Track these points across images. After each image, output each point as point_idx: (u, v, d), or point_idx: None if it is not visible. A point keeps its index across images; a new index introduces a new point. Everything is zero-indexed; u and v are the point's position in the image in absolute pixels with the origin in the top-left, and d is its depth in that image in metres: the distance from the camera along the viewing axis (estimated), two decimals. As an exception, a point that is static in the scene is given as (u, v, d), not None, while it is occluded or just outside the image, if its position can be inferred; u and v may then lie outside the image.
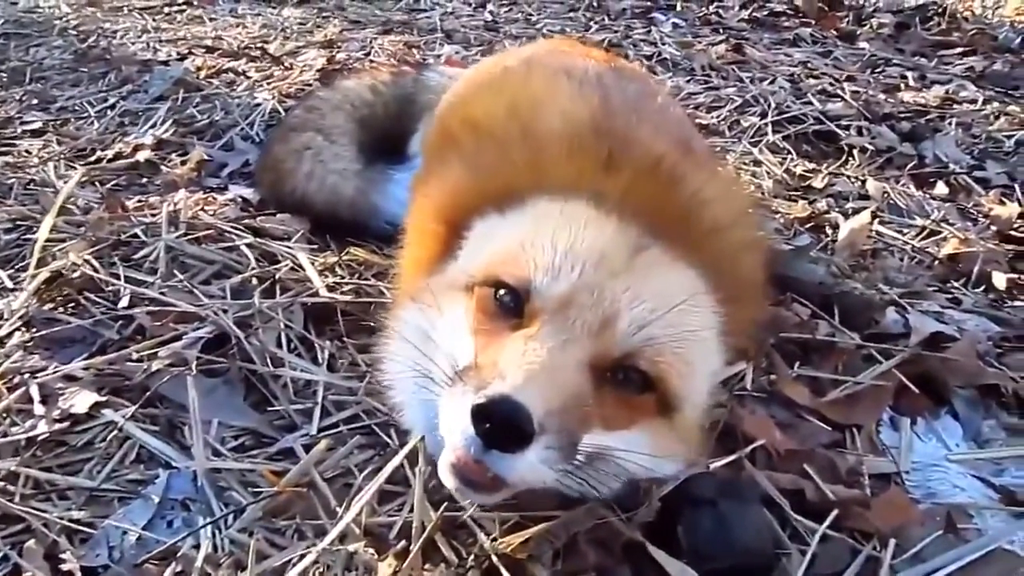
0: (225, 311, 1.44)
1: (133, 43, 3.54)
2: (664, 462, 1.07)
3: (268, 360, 1.34)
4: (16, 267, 1.69)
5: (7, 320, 1.46)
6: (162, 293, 1.49)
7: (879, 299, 1.62)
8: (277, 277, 1.56)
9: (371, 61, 3.10)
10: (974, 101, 3.17)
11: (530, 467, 0.88)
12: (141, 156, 2.21)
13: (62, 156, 2.28)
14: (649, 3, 4.70)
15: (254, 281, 1.56)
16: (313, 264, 1.64)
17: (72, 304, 1.51)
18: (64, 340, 1.41)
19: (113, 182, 2.13)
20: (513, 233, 1.13)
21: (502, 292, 1.04)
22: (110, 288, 1.52)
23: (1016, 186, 2.36)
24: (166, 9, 4.23)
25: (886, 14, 4.47)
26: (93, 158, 2.26)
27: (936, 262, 1.95)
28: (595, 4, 4.65)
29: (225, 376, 1.32)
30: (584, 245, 1.06)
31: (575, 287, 1.01)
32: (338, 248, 1.80)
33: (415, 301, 1.15)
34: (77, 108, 2.80)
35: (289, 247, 1.71)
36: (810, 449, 1.25)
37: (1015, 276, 1.86)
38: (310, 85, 2.78)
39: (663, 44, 3.76)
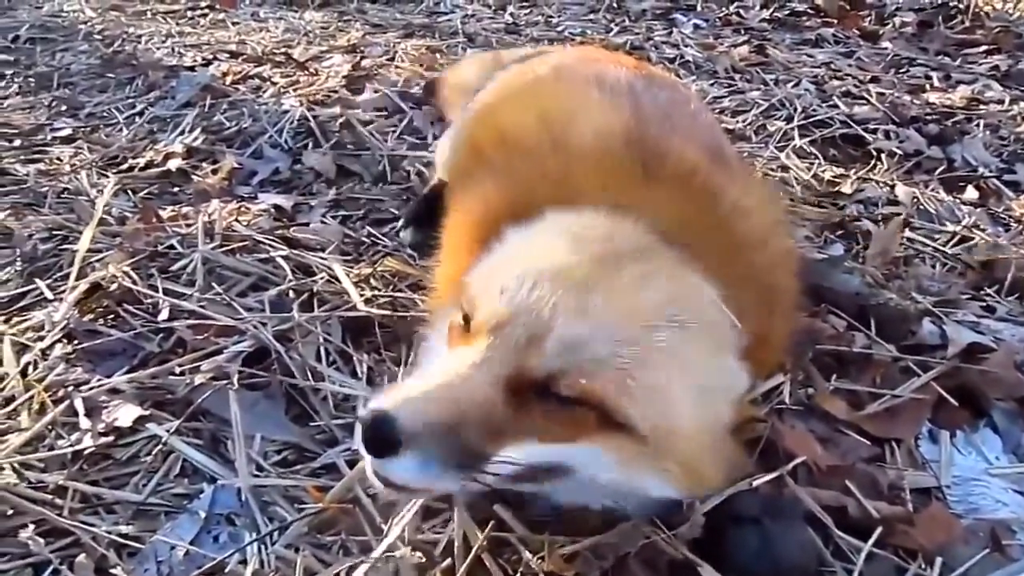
0: (264, 324, 1.45)
1: (158, 48, 3.56)
2: (647, 480, 1.04)
3: (309, 374, 1.35)
4: (55, 277, 1.71)
5: (49, 332, 1.48)
6: (201, 306, 1.50)
7: (915, 309, 1.61)
8: (314, 290, 1.57)
9: (396, 67, 3.10)
10: (1000, 101, 3.14)
11: (408, 471, 0.94)
12: (172, 164, 2.23)
13: (94, 164, 2.30)
14: (669, 4, 4.69)
15: (291, 294, 1.57)
16: (348, 275, 1.64)
17: (112, 316, 1.53)
18: (105, 352, 1.43)
19: (145, 190, 2.15)
20: (505, 250, 1.14)
21: (462, 311, 1.07)
22: (149, 300, 1.54)
23: (1050, 191, 2.34)
24: (189, 13, 4.25)
25: (908, 12, 4.44)
26: (125, 166, 2.27)
27: (969, 269, 1.94)
28: (615, 5, 4.64)
29: (266, 390, 1.33)
30: (549, 261, 1.05)
31: (517, 305, 1.01)
32: (371, 259, 1.82)
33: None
34: (106, 114, 2.82)
35: (324, 258, 1.73)
36: (851, 464, 1.25)
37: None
38: (336, 92, 2.79)
39: (685, 46, 3.75)
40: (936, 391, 1.42)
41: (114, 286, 1.58)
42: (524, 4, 4.71)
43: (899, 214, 2.14)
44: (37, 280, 1.67)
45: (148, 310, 1.53)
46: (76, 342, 1.45)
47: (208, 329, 1.43)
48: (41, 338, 1.47)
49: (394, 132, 2.53)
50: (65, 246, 1.80)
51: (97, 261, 1.69)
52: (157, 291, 1.56)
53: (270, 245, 1.76)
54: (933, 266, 1.95)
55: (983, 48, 3.88)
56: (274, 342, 1.39)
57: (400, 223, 2.01)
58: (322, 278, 1.62)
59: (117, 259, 1.64)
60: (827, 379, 1.45)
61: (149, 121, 2.69)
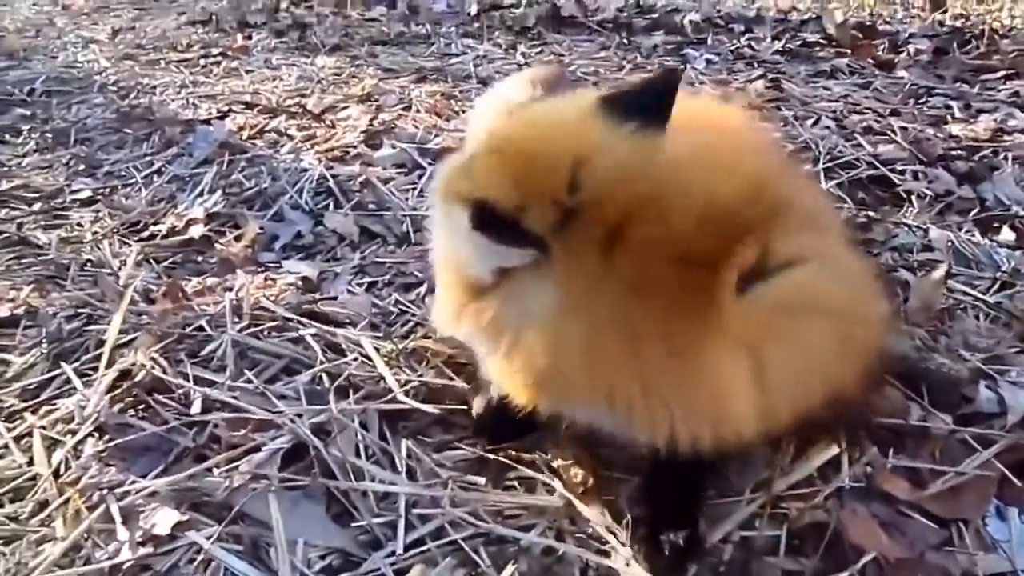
0: (300, 416, 1.41)
1: (173, 99, 3.56)
2: None
3: (349, 471, 1.31)
4: (81, 360, 1.67)
5: (80, 424, 1.44)
6: (234, 396, 1.46)
7: (967, 372, 1.56)
8: (348, 375, 1.53)
9: (412, 118, 3.07)
10: (1025, 131, 3.10)
11: None
12: (194, 231, 2.20)
13: (115, 231, 2.28)
14: (680, 38, 4.68)
15: (324, 379, 1.53)
16: (379, 353, 1.61)
17: (142, 406, 1.49)
18: (139, 448, 1.39)
19: (168, 260, 2.12)
20: None
21: None
22: (180, 390, 1.50)
23: (1085, 230, 2.29)
24: (202, 61, 4.26)
25: (922, 40, 4.41)
26: (147, 234, 2.25)
27: (1014, 319, 1.88)
28: (626, 42, 4.64)
29: (306, 489, 1.29)
30: None
31: None
32: (402, 332, 1.78)
33: None
34: (124, 173, 2.80)
35: (354, 336, 1.68)
36: (920, 555, 1.20)
37: (1099, 335, 1.80)
38: (355, 147, 2.76)
39: (700, 83, 3.72)
40: (999, 467, 1.37)
41: (142, 374, 1.54)
42: (534, 43, 4.72)
43: (936, 261, 2.09)
44: (63, 364, 1.64)
45: (179, 400, 1.49)
46: (107, 437, 1.41)
47: (244, 424, 1.39)
48: (72, 432, 1.43)
49: (414, 190, 2.50)
50: (91, 326, 1.76)
51: (124, 345, 1.65)
52: (188, 379, 1.52)
53: (299, 322, 1.72)
54: (976, 317, 1.90)
55: (1001, 74, 3.84)
56: (312, 437, 1.35)
57: (426, 289, 1.97)
58: (355, 359, 1.58)
59: (146, 343, 1.61)
60: (884, 454, 1.40)
61: (168, 181, 2.67)
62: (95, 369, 1.61)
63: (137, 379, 1.53)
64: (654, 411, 1.13)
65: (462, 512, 1.26)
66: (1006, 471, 1.36)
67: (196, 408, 1.44)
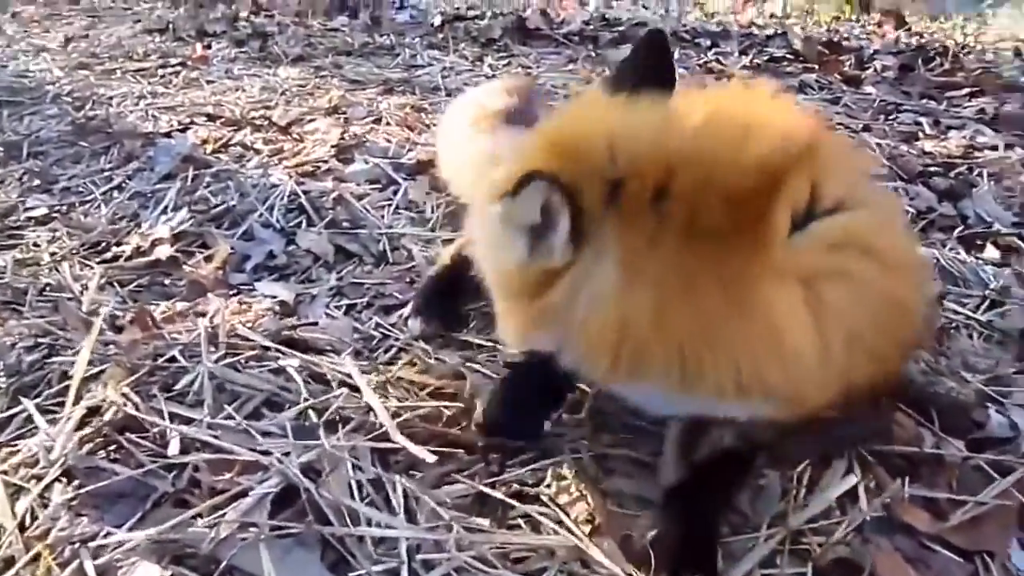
0: (287, 455, 1.31)
1: (131, 111, 3.42)
2: None
3: (345, 515, 1.21)
4: (43, 395, 1.54)
5: (45, 468, 1.32)
6: (215, 436, 1.36)
7: (975, 397, 1.53)
8: (336, 408, 1.43)
9: (383, 133, 2.98)
10: (995, 148, 3.12)
11: None
12: (160, 252, 2.09)
13: (75, 253, 2.15)
14: (648, 50, 4.64)
15: (312, 415, 1.44)
16: (368, 384, 1.52)
17: (114, 447, 1.38)
18: (112, 495, 1.27)
19: (133, 283, 2.00)
20: None
21: None
22: (155, 428, 1.39)
23: (1068, 247, 2.29)
24: (160, 72, 4.12)
25: (887, 56, 4.45)
26: (109, 255, 2.12)
27: (1007, 338, 1.86)
28: (593, 55, 4.61)
29: (299, 537, 1.19)
30: None
31: None
32: (386, 357, 1.70)
33: None
34: (82, 189, 2.67)
35: (337, 364, 1.59)
36: (948, 592, 1.15)
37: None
38: (326, 162, 2.67)
39: (673, 96, 3.69)
40: (1016, 494, 1.33)
41: (112, 411, 1.43)
42: (501, 55, 4.66)
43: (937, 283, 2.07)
44: (24, 400, 1.51)
45: (155, 439, 1.38)
46: (77, 482, 1.29)
47: (228, 466, 1.28)
48: (37, 477, 1.32)
49: (390, 206, 2.42)
50: (53, 358, 1.64)
51: (90, 378, 1.53)
52: (163, 416, 1.41)
53: (279, 351, 1.63)
54: (970, 336, 1.87)
55: (966, 91, 3.87)
56: (302, 479, 1.25)
57: (407, 311, 1.89)
58: (342, 393, 1.49)
59: (115, 377, 1.49)
60: (900, 483, 1.35)
61: (130, 197, 2.55)
62: (60, 405, 1.49)
63: (107, 417, 1.42)
64: (719, 360, 1.14)
65: (468, 556, 1.18)
66: (1022, 497, 1.32)
67: (174, 449, 1.33)
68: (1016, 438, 1.44)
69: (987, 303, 2.00)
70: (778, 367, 1.15)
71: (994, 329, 1.90)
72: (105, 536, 1.19)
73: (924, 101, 3.78)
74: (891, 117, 3.53)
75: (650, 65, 1.30)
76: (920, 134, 3.28)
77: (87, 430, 1.40)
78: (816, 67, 4.24)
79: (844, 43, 4.81)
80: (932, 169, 2.79)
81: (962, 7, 8.00)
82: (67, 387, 1.52)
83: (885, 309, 1.25)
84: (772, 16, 7.18)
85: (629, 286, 1.13)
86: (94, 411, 1.44)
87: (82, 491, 1.27)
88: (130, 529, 1.20)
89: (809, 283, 1.16)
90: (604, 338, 1.16)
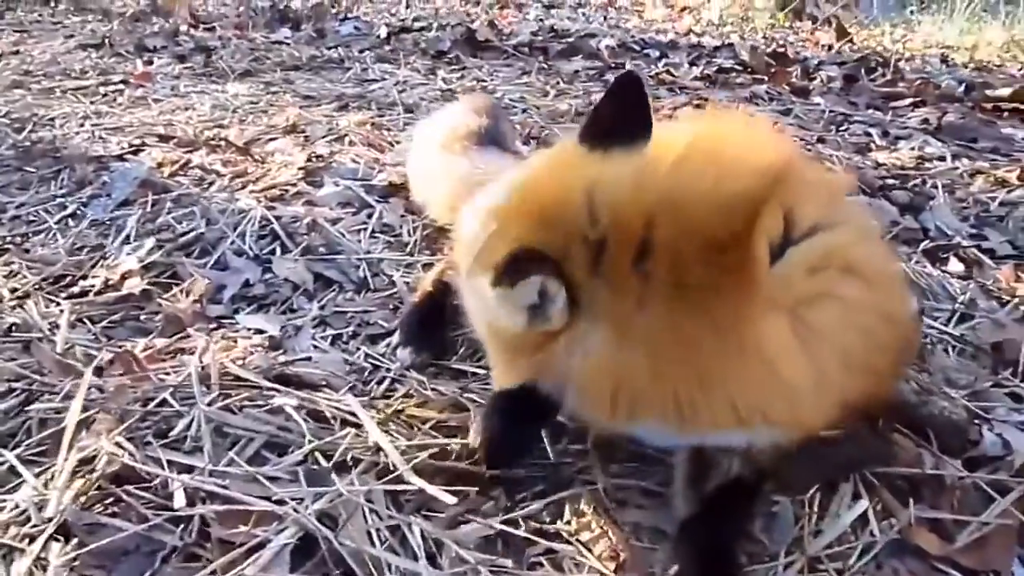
0: (301, 501, 1.28)
1: (77, 133, 3.30)
2: None
3: (369, 563, 1.18)
4: (26, 445, 1.47)
5: (40, 527, 1.26)
6: (222, 485, 1.31)
7: (965, 415, 1.57)
8: (344, 449, 1.40)
9: (350, 154, 2.93)
10: (943, 158, 3.23)
11: None
12: (131, 286, 2.01)
13: (38, 288, 2.05)
14: (599, 63, 4.70)
15: (319, 457, 1.40)
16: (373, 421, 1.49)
17: (112, 501, 1.32)
18: (116, 553, 1.22)
19: (105, 320, 1.92)
20: None
21: None
22: (155, 479, 1.34)
23: (1026, 257, 2.38)
24: (102, 90, 3.98)
25: (832, 67, 4.58)
26: (76, 290, 2.03)
27: (981, 352, 1.92)
28: (546, 67, 4.62)
29: (322, 589, 1.16)
30: None
31: None
32: (381, 390, 1.67)
33: None
34: (34, 218, 2.55)
35: (337, 401, 1.56)
36: (965, 614, 1.18)
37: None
38: (294, 185, 2.61)
39: (631, 110, 3.72)
40: (1015, 513, 1.37)
41: (104, 461, 1.37)
42: (453, 68, 4.64)
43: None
44: (4, 452, 1.44)
45: (156, 491, 1.32)
46: (77, 540, 1.23)
47: (240, 517, 1.24)
48: (30, 537, 1.25)
49: (365, 230, 2.38)
50: (31, 404, 1.56)
51: (76, 424, 1.46)
52: (162, 465, 1.36)
53: (274, 390, 1.58)
54: (946, 351, 1.93)
55: (909, 101, 4.01)
56: (320, 527, 1.22)
57: (395, 340, 1.86)
58: (348, 433, 1.45)
59: (106, 425, 1.43)
60: (903, 505, 1.39)
61: (88, 226, 2.44)
62: (43, 456, 1.42)
63: (101, 468, 1.35)
64: (715, 401, 1.18)
65: (501, 601, 1.16)
66: (1023, 518, 1.36)
67: (179, 500, 1.28)
68: (1008, 456, 1.48)
69: (957, 316, 2.07)
70: (776, 398, 1.20)
71: (967, 343, 1.96)
72: (116, 600, 1.14)
73: (871, 112, 3.90)
74: (842, 128, 3.63)
75: (625, 109, 1.29)
76: (872, 145, 3.38)
77: (80, 482, 1.34)
78: (765, 78, 4.34)
79: (789, 54, 4.92)
80: (890, 182, 2.87)
81: (886, 13, 8.28)
82: (51, 436, 1.46)
83: (873, 324, 1.29)
84: (709, 23, 7.32)
85: (621, 344, 1.17)
86: (86, 462, 1.38)
87: (83, 550, 1.21)
88: (141, 590, 1.15)
89: (794, 311, 1.20)
90: (600, 390, 1.21)
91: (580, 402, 1.28)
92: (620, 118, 1.29)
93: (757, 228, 1.16)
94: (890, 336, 1.38)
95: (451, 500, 1.28)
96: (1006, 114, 3.85)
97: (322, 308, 2.00)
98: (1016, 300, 2.13)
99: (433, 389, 1.67)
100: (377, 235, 2.37)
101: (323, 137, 3.15)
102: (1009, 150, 3.35)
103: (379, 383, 1.71)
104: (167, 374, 1.63)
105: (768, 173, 1.22)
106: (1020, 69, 5.14)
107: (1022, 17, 6.75)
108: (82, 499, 1.32)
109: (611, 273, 1.17)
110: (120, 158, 2.96)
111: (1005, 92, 3.95)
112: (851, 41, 5.90)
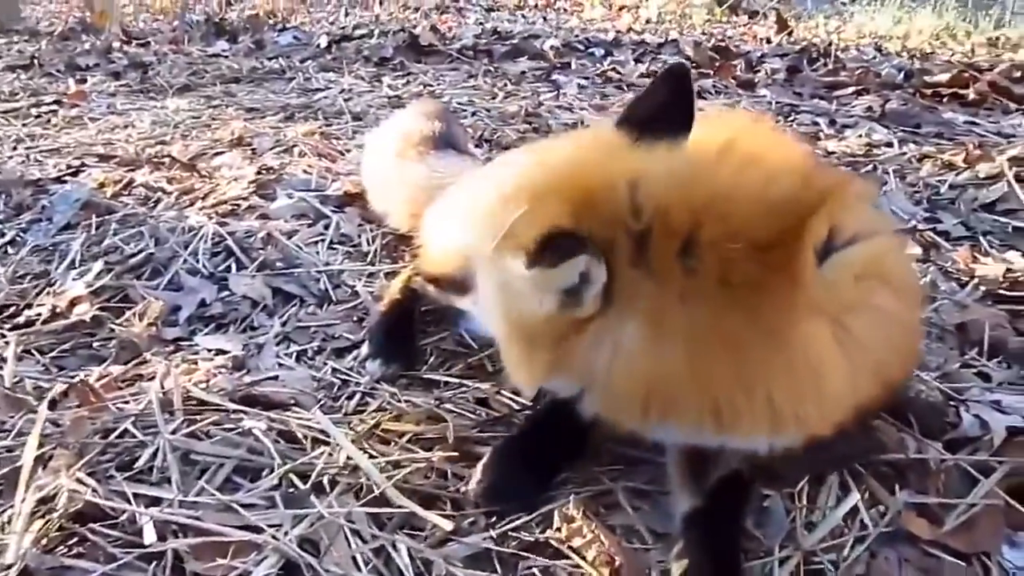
0: (279, 527, 1.22)
1: (10, 156, 3.16)
2: None
3: (356, 590, 1.13)
4: (-23, 490, 1.38)
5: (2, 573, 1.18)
6: (194, 517, 1.24)
7: (942, 398, 1.58)
8: (320, 470, 1.34)
9: (302, 165, 2.86)
10: (890, 144, 3.28)
11: None
12: (81, 312, 1.92)
13: (-21, 320, 1.95)
14: (545, 64, 4.68)
15: (295, 480, 1.34)
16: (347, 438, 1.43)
17: (76, 540, 1.24)
18: (86, 595, 1.15)
19: (55, 350, 1.83)
20: None
21: None
22: (122, 514, 1.26)
23: (980, 237, 2.41)
24: (34, 111, 3.83)
25: (774, 59, 4.64)
26: (21, 320, 1.93)
27: (947, 333, 1.94)
28: (492, 69, 4.59)
29: (309, 620, 1.10)
30: None
31: None
32: (352, 406, 1.61)
33: None
34: (-30, 247, 2.43)
35: (307, 420, 1.50)
36: (963, 598, 1.17)
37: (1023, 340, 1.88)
38: (246, 199, 2.53)
39: (581, 110, 3.72)
40: (1000, 493, 1.37)
41: (64, 499, 1.29)
42: (398, 74, 4.59)
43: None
44: (-46, 496, 1.35)
45: (124, 527, 1.25)
46: (41, 586, 1.16)
47: (216, 549, 1.17)
48: (-9, 586, 1.17)
49: (323, 242, 2.32)
50: (-19, 444, 1.47)
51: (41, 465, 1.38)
52: (127, 499, 1.29)
53: (240, 411, 1.52)
54: (913, 333, 1.94)
55: (852, 90, 4.08)
56: (302, 554, 1.16)
57: (363, 353, 1.81)
58: (322, 452, 1.40)
59: (64, 462, 1.35)
60: (890, 491, 1.38)
61: (30, 252, 2.33)
62: (-4, 496, 1.34)
63: (61, 506, 1.27)
64: (757, 404, 1.14)
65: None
66: (1008, 499, 1.36)
67: (149, 535, 1.21)
68: (986, 435, 1.49)
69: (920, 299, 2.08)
70: (815, 403, 1.17)
71: (933, 325, 1.97)
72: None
73: (816, 101, 3.95)
74: (790, 119, 3.67)
75: (669, 101, 1.26)
76: (820, 134, 3.42)
77: (40, 523, 1.26)
78: (710, 73, 4.37)
79: (731, 48, 4.97)
80: (842, 169, 2.89)
81: (819, 5, 8.45)
82: (5, 476, 1.36)
83: (899, 334, 1.29)
84: (648, 21, 7.37)
85: (659, 341, 1.12)
86: (45, 501, 1.30)
87: (50, 595, 1.14)
88: (116, 635, 1.08)
89: (838, 317, 1.18)
90: (632, 390, 1.15)
91: (606, 402, 1.22)
92: (663, 109, 1.27)
93: (807, 232, 1.13)
94: (911, 345, 1.40)
95: (448, 525, 1.23)
96: (945, 99, 3.94)
97: (284, 324, 1.94)
98: (975, 280, 2.16)
99: (407, 401, 1.62)
100: (336, 246, 2.31)
101: (271, 149, 3.08)
102: (952, 134, 3.42)
103: (349, 398, 1.66)
104: (126, 402, 1.55)
105: (817, 180, 1.21)
106: (953, 55, 5.27)
107: (951, 5, 6.93)
108: (44, 541, 1.24)
109: (654, 265, 1.13)
110: (59, 180, 2.85)
111: (943, 78, 4.04)
112: (790, 34, 6.00)
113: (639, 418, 1.19)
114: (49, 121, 3.69)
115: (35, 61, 4.89)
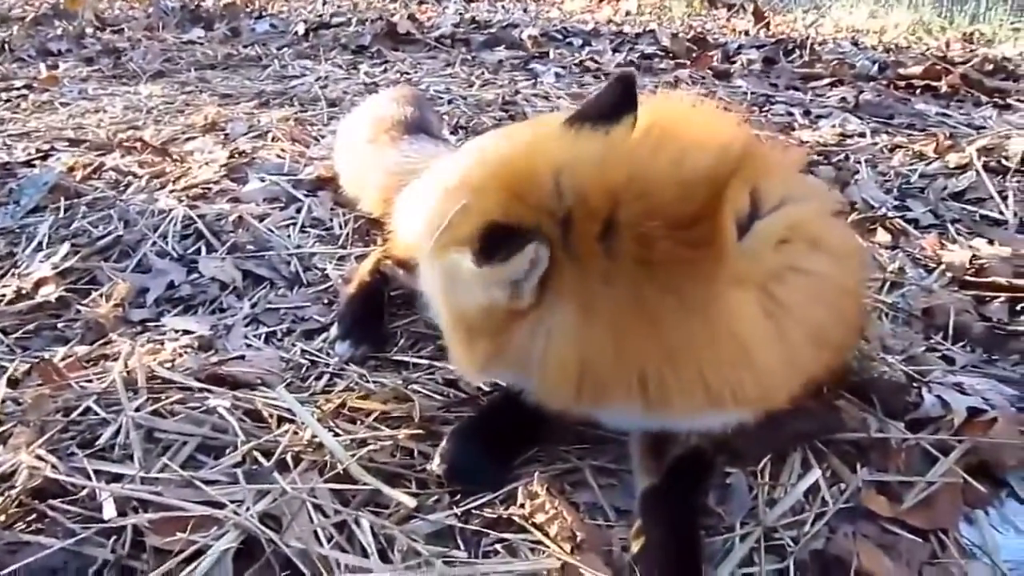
0: (240, 503, 1.21)
1: (-22, 141, 3.12)
2: None
3: (317, 563, 1.13)
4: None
5: (-44, 553, 1.17)
6: (155, 492, 1.23)
7: (904, 379, 1.59)
8: (285, 447, 1.34)
9: (275, 149, 2.84)
10: (863, 134, 3.30)
11: None
12: (46, 293, 1.90)
13: (-57, 301, 1.92)
14: (523, 53, 4.68)
15: (259, 457, 1.34)
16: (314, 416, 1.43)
17: (36, 517, 1.23)
18: (43, 571, 1.14)
19: (20, 330, 1.81)
20: None
21: None
22: (82, 490, 1.25)
23: (948, 225, 2.44)
24: (3, 96, 3.79)
25: (751, 50, 4.65)
26: (-14, 301, 1.91)
27: (913, 318, 1.96)
28: (469, 58, 4.58)
29: (269, 594, 1.10)
30: None
31: None
32: (320, 385, 1.61)
33: None
34: (-63, 231, 2.40)
35: (273, 399, 1.49)
36: (918, 573, 1.19)
37: (987, 325, 1.90)
38: (217, 183, 2.51)
39: (557, 98, 3.72)
40: (958, 471, 1.39)
41: (24, 476, 1.28)
42: (375, 62, 4.56)
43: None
44: (-91, 474, 1.34)
45: (84, 503, 1.24)
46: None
47: (177, 524, 1.17)
48: (-54, 563, 1.16)
49: (294, 225, 2.31)
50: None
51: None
52: (88, 475, 1.28)
53: (205, 390, 1.51)
54: (880, 318, 1.96)
55: (827, 81, 4.10)
56: (263, 529, 1.16)
57: (333, 334, 1.80)
58: (288, 430, 1.39)
59: (24, 439, 1.34)
60: (852, 469, 1.39)
61: (-4, 235, 2.31)
62: (-47, 476, 1.32)
63: (21, 483, 1.26)
64: (686, 380, 1.14)
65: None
66: (966, 476, 1.38)
67: (109, 511, 1.20)
68: (947, 416, 1.50)
69: (888, 284, 2.11)
70: (746, 375, 1.17)
71: (899, 310, 1.99)
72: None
73: (791, 92, 3.97)
74: (764, 109, 3.69)
75: (617, 103, 1.26)
76: (795, 124, 3.44)
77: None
78: (687, 63, 4.38)
79: (709, 39, 4.98)
80: (815, 158, 2.92)
81: (798, -1, 8.48)
82: (-40, 455, 1.35)
83: (837, 298, 1.29)
84: (628, 13, 7.38)
85: (587, 325, 1.14)
86: (4, 478, 1.29)
87: (5, 571, 1.13)
88: (73, 610, 1.08)
89: (763, 286, 1.18)
90: (564, 373, 1.17)
91: (544, 387, 1.23)
92: (609, 108, 1.27)
93: (724, 203, 1.14)
94: (852, 310, 1.39)
95: (411, 503, 1.23)
96: (918, 91, 3.97)
97: (254, 306, 1.93)
98: (942, 267, 2.18)
99: (375, 381, 1.62)
100: (307, 229, 2.30)
101: (245, 134, 3.06)
102: (924, 125, 3.45)
103: (318, 379, 1.66)
104: (89, 381, 1.54)
105: (731, 150, 1.21)
106: (927, 49, 5.31)
107: (927, 1, 6.99)
108: (2, 517, 1.23)
109: (577, 250, 1.14)
110: (28, 164, 2.82)
111: (917, 70, 4.07)
112: (767, 26, 6.03)
113: (576, 400, 1.20)
114: (19, 106, 3.64)
115: (6, 46, 4.83)
